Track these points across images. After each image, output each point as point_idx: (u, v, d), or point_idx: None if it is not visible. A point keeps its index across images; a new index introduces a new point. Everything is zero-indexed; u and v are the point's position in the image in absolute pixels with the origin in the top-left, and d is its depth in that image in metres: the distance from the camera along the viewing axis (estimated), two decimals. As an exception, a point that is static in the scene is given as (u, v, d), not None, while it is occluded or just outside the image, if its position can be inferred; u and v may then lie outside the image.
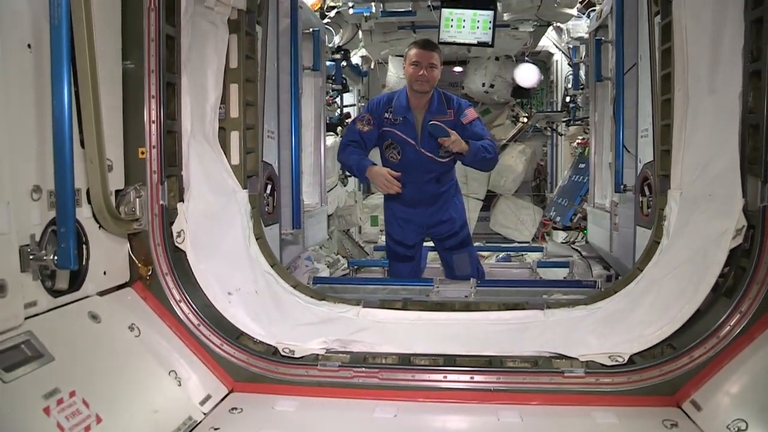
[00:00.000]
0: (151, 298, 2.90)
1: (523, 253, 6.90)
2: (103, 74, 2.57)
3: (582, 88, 6.70)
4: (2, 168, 2.10)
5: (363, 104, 9.38)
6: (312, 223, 5.71)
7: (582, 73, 6.82)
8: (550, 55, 9.18)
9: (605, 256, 5.62)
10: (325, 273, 5.69)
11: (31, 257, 2.22)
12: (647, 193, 4.15)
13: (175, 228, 3.01)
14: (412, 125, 4.77)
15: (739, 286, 2.78)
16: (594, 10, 6.56)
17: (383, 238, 8.63)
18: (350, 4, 6.48)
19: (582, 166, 6.95)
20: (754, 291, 2.72)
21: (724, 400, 2.64)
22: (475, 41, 6.52)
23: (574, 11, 6.75)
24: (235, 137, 3.70)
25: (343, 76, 7.34)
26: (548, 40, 8.57)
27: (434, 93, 4.81)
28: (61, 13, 2.14)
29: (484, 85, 9.22)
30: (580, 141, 7.29)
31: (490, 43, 6.52)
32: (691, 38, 3.25)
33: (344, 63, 7.36)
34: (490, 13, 6.39)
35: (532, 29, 7.71)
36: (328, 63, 6.76)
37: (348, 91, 7.93)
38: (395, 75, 9.23)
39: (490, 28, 6.44)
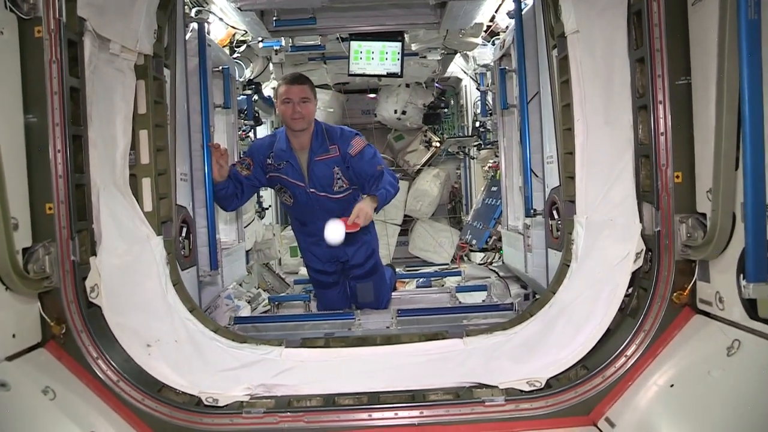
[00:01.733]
0: (66, 358, 2.80)
1: (443, 277, 7.01)
2: (4, 128, 2.50)
3: (490, 114, 6.93)
4: None
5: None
6: (230, 260, 5.63)
7: (490, 99, 7.04)
8: (459, 80, 9.46)
9: (522, 276, 5.80)
10: (246, 310, 5.63)
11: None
12: (556, 216, 4.34)
13: (88, 283, 2.93)
14: (297, 168, 4.57)
15: (642, 306, 2.97)
16: (498, 39, 6.83)
17: (303, 269, 8.66)
18: (259, 39, 6.46)
19: (494, 189, 7.16)
20: (655, 309, 2.92)
21: (635, 415, 2.79)
22: (384, 72, 6.66)
23: (479, 40, 6.98)
24: (147, 183, 3.64)
25: (256, 109, 7.31)
26: (456, 66, 8.82)
27: (315, 129, 4.58)
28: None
29: (396, 111, 9.38)
30: (491, 164, 7.51)
31: (399, 74, 6.67)
32: (586, 73, 3.46)
33: (256, 97, 7.34)
34: (398, 44, 6.54)
35: (440, 57, 7.94)
36: (239, 97, 6.72)
37: (261, 123, 7.89)
38: (308, 105, 9.24)
39: (398, 59, 6.59)
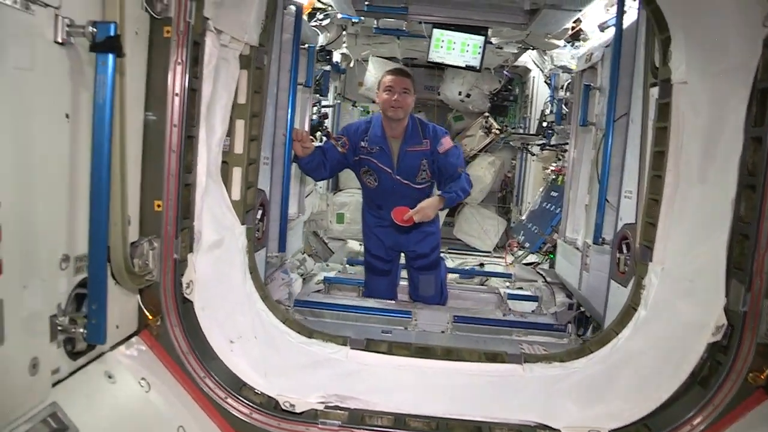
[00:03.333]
0: (158, 348, 2.93)
1: (492, 276, 7.06)
2: (127, 126, 2.58)
3: (564, 117, 6.85)
4: (38, 244, 2.12)
5: (339, 102, 9.40)
6: (290, 234, 5.76)
7: (562, 103, 6.96)
8: (528, 70, 9.33)
9: (572, 290, 5.83)
10: (298, 283, 5.77)
11: (59, 328, 2.25)
12: (624, 250, 4.35)
13: (184, 279, 3.03)
14: (388, 155, 4.84)
15: (714, 379, 2.99)
16: (579, 42, 6.71)
17: (347, 234, 8.80)
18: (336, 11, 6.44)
19: (554, 194, 7.14)
20: (728, 385, 2.94)
21: (692, 483, 2.87)
22: (463, 64, 6.64)
23: (561, 42, 6.88)
24: (237, 173, 3.72)
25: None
26: (528, 57, 8.71)
27: (409, 121, 4.84)
28: (106, 93, 2.15)
29: (460, 93, 9.35)
30: (554, 168, 7.47)
31: (478, 68, 6.65)
32: (688, 127, 3.42)
33: (329, 68, 7.35)
34: (481, 38, 6.50)
35: (516, 51, 7.86)
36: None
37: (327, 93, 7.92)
38: (374, 75, 9.24)
39: (479, 53, 6.56)
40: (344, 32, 7.81)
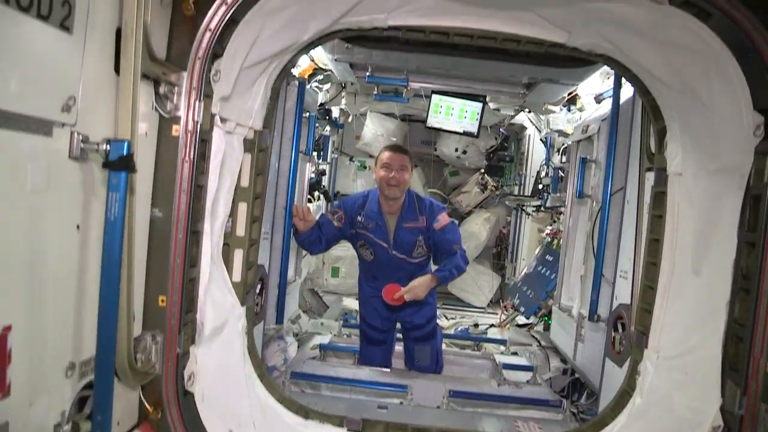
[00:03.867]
0: (159, 441, 2.94)
1: (485, 342, 7.06)
2: (135, 222, 2.61)
3: (561, 181, 6.93)
4: (45, 358, 2.15)
5: (336, 156, 9.50)
6: (287, 299, 5.77)
7: (558, 172, 7.05)
8: (524, 128, 9.47)
9: (567, 359, 5.85)
10: (293, 347, 5.76)
11: (62, 438, 2.27)
12: (620, 329, 4.39)
13: (186, 371, 3.04)
14: (384, 231, 4.86)
15: (712, 479, 3.01)
16: (575, 106, 6.82)
17: (342, 288, 8.81)
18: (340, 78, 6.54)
19: (549, 258, 7.19)
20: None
21: None
22: (461, 130, 6.75)
23: (557, 108, 7.01)
24: (239, 254, 3.75)
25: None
26: (523, 115, 8.84)
27: (406, 197, 4.86)
28: (118, 209, 2.20)
29: (457, 150, 9.48)
30: (550, 231, 7.54)
31: (476, 134, 6.75)
32: (683, 219, 3.50)
33: (327, 128, 7.45)
34: (479, 105, 6.63)
35: (513, 113, 8.00)
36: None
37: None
38: (371, 130, 9.38)
39: (477, 120, 6.68)
40: (344, 90, 7.95)
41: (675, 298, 3.52)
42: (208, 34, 2.87)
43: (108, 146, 2.19)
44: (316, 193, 7.41)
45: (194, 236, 3.02)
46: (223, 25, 2.90)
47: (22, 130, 1.96)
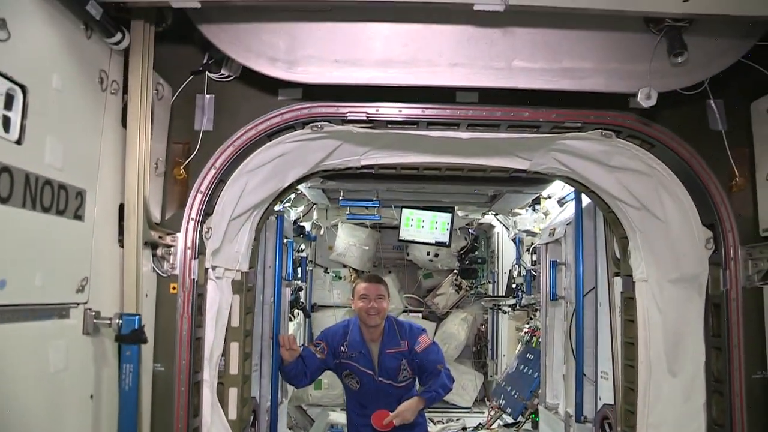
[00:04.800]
0: None
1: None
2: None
3: (534, 279, 7.14)
4: None
5: (311, 269, 9.63)
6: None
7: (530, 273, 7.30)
8: (492, 226, 9.77)
9: (558, 459, 5.90)
10: (285, 470, 5.72)
11: None
12: (607, 429, 4.51)
13: None
14: (368, 358, 4.86)
15: None
16: (539, 206, 7.13)
17: (326, 399, 8.74)
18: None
19: (530, 356, 7.33)
20: None
21: None
22: (433, 240, 7.03)
23: (522, 211, 7.34)
24: (233, 392, 3.85)
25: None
26: (491, 215, 9.16)
27: (386, 323, 4.91)
28: (132, 380, 2.33)
29: (428, 254, 9.66)
30: (528, 329, 7.71)
31: (447, 244, 7.01)
32: (653, 322, 3.72)
33: (304, 253, 7.66)
34: (448, 216, 6.93)
35: (480, 217, 8.32)
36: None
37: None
38: (344, 240, 9.59)
39: (447, 230, 6.97)
40: (315, 206, 8.21)
41: (656, 398, 3.69)
42: (199, 196, 3.10)
43: (120, 321, 2.35)
44: (295, 311, 7.51)
45: (195, 387, 3.13)
46: (213, 186, 3.13)
47: (45, 318, 2.12)
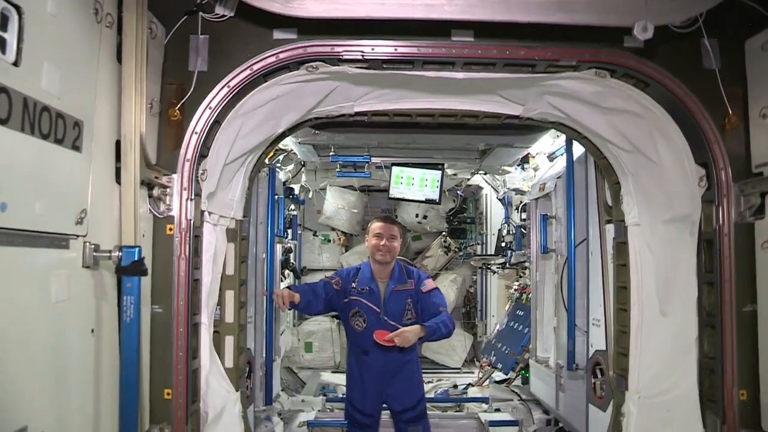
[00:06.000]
0: None
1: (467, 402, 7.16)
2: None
3: (523, 237, 7.18)
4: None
5: (300, 232, 9.63)
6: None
7: (520, 230, 7.33)
8: (480, 188, 9.79)
9: (550, 409, 5.99)
10: (280, 427, 5.75)
11: None
12: (599, 375, 4.58)
13: (194, 463, 3.11)
14: (377, 294, 5.03)
15: None
16: (528, 165, 7.16)
17: (316, 362, 8.82)
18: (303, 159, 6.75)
19: (520, 313, 7.40)
20: None
21: None
22: (423, 198, 7.00)
23: (512, 168, 7.35)
24: (230, 341, 3.85)
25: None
26: (479, 176, 9.17)
27: (395, 264, 5.13)
28: (134, 312, 2.33)
29: (417, 215, 9.70)
30: (517, 286, 7.77)
31: (437, 201, 7.01)
32: (646, 266, 3.76)
33: (293, 208, 7.63)
34: (438, 173, 6.90)
35: (469, 176, 8.32)
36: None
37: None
38: (332, 204, 9.59)
39: (437, 187, 6.95)
40: (303, 167, 8.17)
41: (648, 340, 3.75)
42: (195, 137, 3.07)
43: (120, 253, 2.33)
44: (286, 271, 7.52)
45: (194, 328, 3.14)
46: (208, 127, 3.10)
47: (46, 246, 2.10)
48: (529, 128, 5.16)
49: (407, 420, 5.23)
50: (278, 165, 6.93)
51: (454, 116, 4.01)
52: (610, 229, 4.33)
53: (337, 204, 9.73)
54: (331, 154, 5.98)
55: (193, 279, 3.10)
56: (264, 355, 5.11)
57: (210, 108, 3.10)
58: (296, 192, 8.61)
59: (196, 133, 3.09)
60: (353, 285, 5.02)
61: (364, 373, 5.13)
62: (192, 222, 3.06)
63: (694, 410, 3.38)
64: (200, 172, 3.16)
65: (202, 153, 3.17)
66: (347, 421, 5.39)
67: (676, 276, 3.59)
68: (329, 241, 10.01)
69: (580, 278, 5.12)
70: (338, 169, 6.99)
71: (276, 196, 5.89)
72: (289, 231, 7.39)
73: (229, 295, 3.88)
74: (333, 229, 10.11)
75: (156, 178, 2.93)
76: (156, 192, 2.98)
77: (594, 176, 4.74)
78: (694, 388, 3.40)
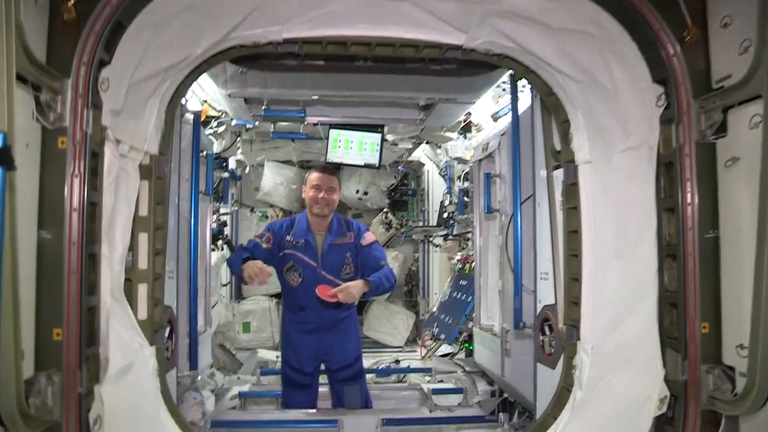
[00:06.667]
0: (60, 501, 2.52)
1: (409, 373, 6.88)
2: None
3: (466, 206, 6.94)
4: None
5: (236, 208, 9.22)
6: (199, 349, 5.38)
7: (463, 193, 7.08)
8: (422, 164, 9.54)
9: (494, 377, 5.75)
10: (210, 401, 5.33)
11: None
12: (547, 332, 4.32)
13: (91, 416, 2.68)
14: (313, 248, 4.83)
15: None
16: (471, 134, 6.94)
17: (254, 343, 8.42)
18: (231, 117, 6.32)
19: (463, 282, 7.15)
20: (681, 457, 2.88)
21: None
22: (362, 162, 6.67)
23: (454, 135, 7.10)
24: (143, 290, 3.43)
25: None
26: (420, 152, 8.93)
27: (333, 217, 4.94)
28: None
29: (358, 192, 9.43)
30: (460, 257, 7.52)
31: (377, 165, 6.70)
32: (598, 205, 3.51)
33: (227, 175, 7.20)
34: (378, 136, 6.58)
35: (411, 146, 8.03)
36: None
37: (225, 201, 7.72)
38: (270, 179, 9.22)
39: (377, 151, 6.62)
40: (239, 138, 7.75)
41: (600, 284, 3.50)
42: (92, 38, 2.66)
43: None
44: (219, 242, 7.07)
45: (91, 260, 2.71)
46: (108, 27, 2.69)
47: None
48: (472, 73, 4.86)
49: (343, 379, 5.00)
50: (211, 134, 6.52)
51: (392, 45, 3.67)
52: (558, 175, 4.08)
53: (275, 179, 9.33)
54: (263, 108, 5.56)
55: (90, 202, 2.67)
56: (188, 320, 4.65)
57: (111, 5, 2.68)
58: (233, 167, 8.23)
59: (94, 33, 2.68)
60: (288, 238, 4.82)
61: (299, 330, 4.87)
62: (89, 135, 2.63)
63: (653, 351, 3.15)
64: (101, 80, 2.74)
65: (103, 59, 2.74)
66: (285, 383, 5.10)
67: (631, 211, 3.35)
68: (267, 217, 9.63)
69: (527, 237, 4.86)
70: (272, 130, 6.62)
71: (204, 152, 5.46)
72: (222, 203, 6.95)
73: (143, 238, 3.45)
74: (271, 206, 9.70)
75: (43, 78, 2.49)
76: (45, 97, 2.54)
77: (541, 126, 4.47)
78: (653, 328, 3.17)
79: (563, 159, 3.92)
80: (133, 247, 3.42)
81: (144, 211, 3.47)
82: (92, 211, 2.74)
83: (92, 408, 2.69)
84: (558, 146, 4.05)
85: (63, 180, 2.58)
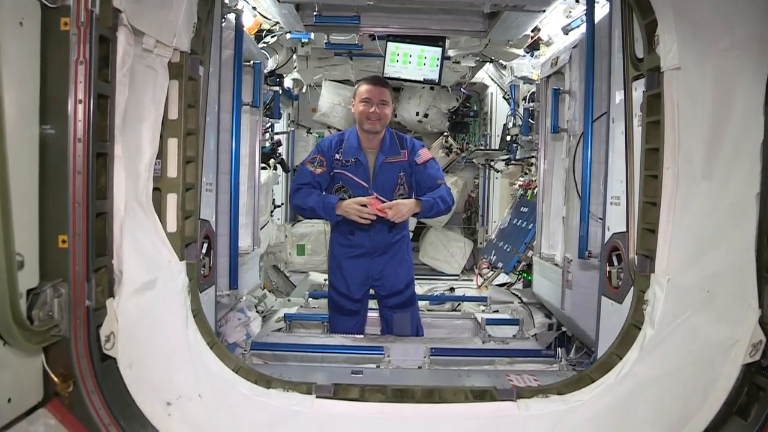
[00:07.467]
0: (72, 422, 2.31)
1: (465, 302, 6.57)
2: (14, 142, 2.01)
3: (531, 128, 6.44)
4: None
5: (293, 129, 8.97)
6: (245, 269, 5.19)
7: (528, 113, 6.57)
8: (485, 86, 9.00)
9: (553, 310, 5.39)
10: (257, 322, 5.18)
11: None
12: (615, 263, 3.89)
13: (103, 332, 2.44)
14: (364, 167, 4.51)
15: (756, 408, 2.52)
16: (538, 51, 6.36)
17: (309, 266, 8.26)
18: (285, 30, 5.93)
19: (524, 209, 6.72)
20: (775, 416, 2.47)
21: None
22: (421, 78, 6.22)
23: (521, 51, 6.53)
24: (172, 200, 3.16)
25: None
26: (484, 73, 8.38)
27: (386, 132, 4.58)
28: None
29: (417, 114, 9.02)
30: (522, 183, 7.06)
31: (437, 81, 6.24)
32: (685, 118, 3.01)
33: (279, 90, 6.85)
34: (439, 50, 6.09)
35: (474, 64, 7.49)
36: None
37: (280, 117, 7.41)
38: (328, 100, 8.90)
39: (437, 66, 6.15)
40: (294, 54, 7.35)
41: (683, 209, 3.03)
42: None
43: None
44: (272, 161, 6.80)
45: (101, 160, 2.42)
46: None
47: None
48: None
49: (394, 306, 4.74)
50: (265, 47, 6.15)
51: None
52: (638, 85, 3.56)
53: (332, 100, 9.00)
54: (315, 13, 5.13)
55: (98, 93, 2.35)
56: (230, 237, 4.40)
57: None
58: (289, 86, 7.91)
59: None
60: (337, 157, 4.48)
61: (349, 254, 4.59)
62: (96, 16, 2.29)
63: (746, 288, 2.70)
64: (111, -51, 2.37)
65: None
66: (332, 309, 4.87)
67: (727, 126, 2.86)
68: (323, 138, 9.30)
69: (597, 159, 4.38)
70: (326, 41, 6.20)
71: (251, 62, 5.10)
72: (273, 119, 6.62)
73: (172, 143, 3.17)
74: (329, 127, 9.40)
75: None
76: (42, -34, 2.20)
77: (619, 38, 3.90)
78: (749, 261, 2.71)
79: (646, 67, 3.40)
80: (161, 155, 3.14)
81: (174, 115, 3.17)
82: (103, 105, 2.42)
83: (104, 324, 2.45)
84: (640, 54, 3.52)
85: (66, 67, 2.26)
